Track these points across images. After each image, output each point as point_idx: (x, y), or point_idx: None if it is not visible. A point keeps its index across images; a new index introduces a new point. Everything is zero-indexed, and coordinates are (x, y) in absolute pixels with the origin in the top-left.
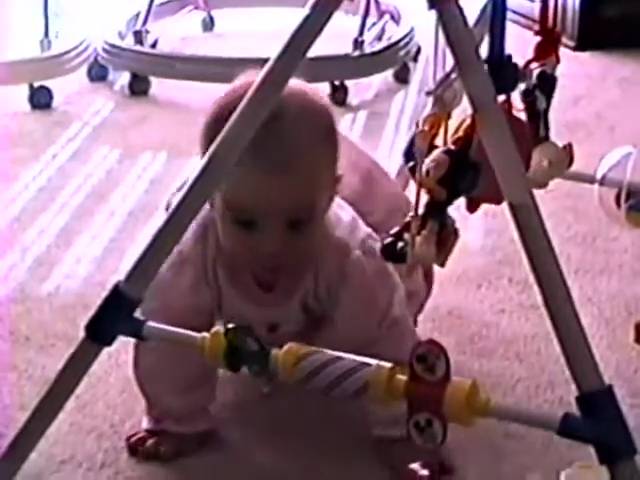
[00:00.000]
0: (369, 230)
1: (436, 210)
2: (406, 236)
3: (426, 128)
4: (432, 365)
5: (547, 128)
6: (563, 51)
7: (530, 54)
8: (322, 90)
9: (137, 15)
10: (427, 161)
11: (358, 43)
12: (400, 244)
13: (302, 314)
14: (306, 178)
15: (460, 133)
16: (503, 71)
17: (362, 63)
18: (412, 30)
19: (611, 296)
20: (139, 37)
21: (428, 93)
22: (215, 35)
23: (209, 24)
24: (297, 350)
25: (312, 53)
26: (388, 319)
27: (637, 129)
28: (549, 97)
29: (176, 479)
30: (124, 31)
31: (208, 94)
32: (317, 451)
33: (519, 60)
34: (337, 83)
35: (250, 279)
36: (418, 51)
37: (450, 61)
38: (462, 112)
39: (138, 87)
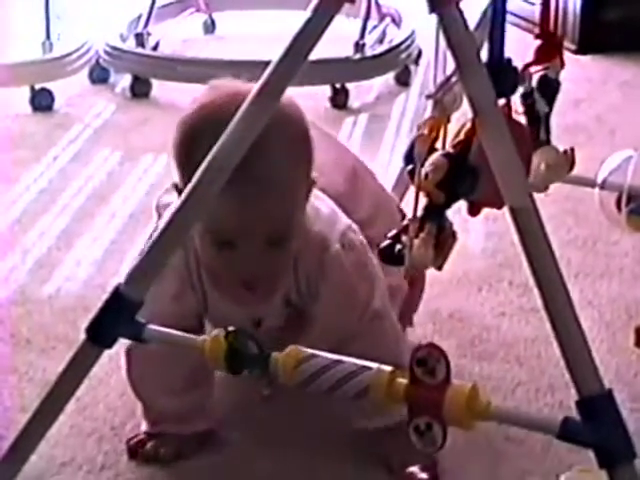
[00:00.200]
0: (349, 222)
1: (434, 213)
2: (404, 239)
3: (426, 132)
4: (432, 368)
5: (548, 132)
6: (564, 54)
7: (530, 58)
8: (321, 93)
9: (139, 17)
10: (426, 164)
11: (359, 46)
12: (398, 247)
13: (285, 309)
14: (285, 198)
15: (461, 137)
16: (503, 75)
17: (363, 66)
18: (413, 33)
19: (611, 300)
20: (140, 39)
21: (428, 97)
22: (216, 38)
23: (210, 27)
24: (297, 353)
25: (313, 56)
26: (369, 312)
27: (638, 132)
28: (551, 101)
29: None
30: (125, 33)
31: None
32: (316, 452)
33: (519, 64)
34: (338, 86)
35: (234, 285)
36: (419, 54)
37: (451, 64)
38: (462, 116)
39: (139, 89)
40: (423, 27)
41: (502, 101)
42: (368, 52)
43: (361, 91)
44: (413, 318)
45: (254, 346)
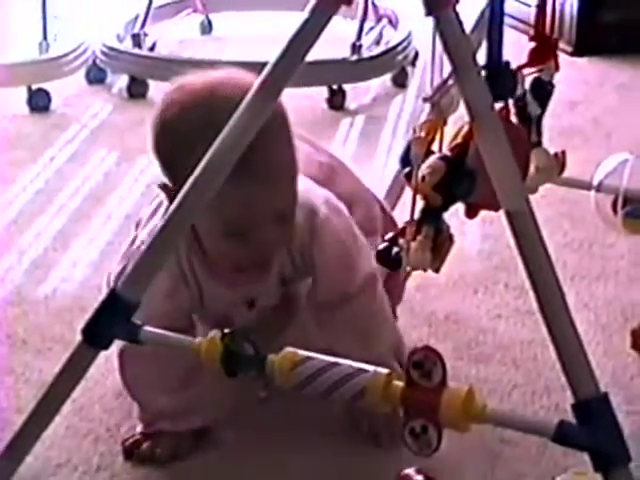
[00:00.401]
0: (326, 191)
1: (431, 216)
2: (401, 241)
3: (423, 134)
4: (429, 371)
5: (540, 134)
6: (560, 56)
7: (525, 60)
8: (318, 94)
9: (135, 18)
10: (423, 167)
11: (356, 47)
12: (395, 249)
13: (280, 287)
14: (288, 178)
15: (458, 139)
16: (500, 77)
17: (360, 67)
18: (410, 35)
19: (607, 302)
20: (137, 40)
21: (425, 99)
22: (213, 38)
23: (207, 27)
24: (293, 355)
25: (310, 57)
26: (361, 272)
27: (634, 135)
28: (544, 104)
29: None
30: (122, 34)
31: None
32: (316, 452)
33: (516, 66)
34: (335, 87)
35: (226, 268)
36: (416, 56)
37: (447, 67)
38: (459, 119)
39: (136, 90)
40: (420, 28)
41: (500, 104)
42: (365, 53)
43: (358, 92)
44: (397, 310)
45: (250, 348)
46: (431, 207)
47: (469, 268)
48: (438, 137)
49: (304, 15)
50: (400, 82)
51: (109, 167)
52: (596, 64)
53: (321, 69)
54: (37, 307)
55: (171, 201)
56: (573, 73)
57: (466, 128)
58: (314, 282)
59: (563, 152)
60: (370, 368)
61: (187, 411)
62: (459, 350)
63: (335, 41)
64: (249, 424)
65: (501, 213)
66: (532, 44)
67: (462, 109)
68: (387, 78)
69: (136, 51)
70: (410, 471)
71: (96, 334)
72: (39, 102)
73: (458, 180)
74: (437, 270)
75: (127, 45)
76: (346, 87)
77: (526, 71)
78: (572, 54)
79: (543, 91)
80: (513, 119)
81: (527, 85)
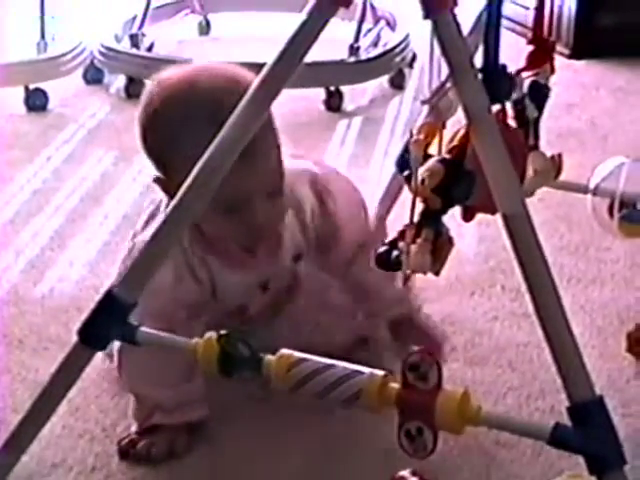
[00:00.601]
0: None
1: (431, 219)
2: (401, 245)
3: (421, 137)
4: (424, 373)
5: (537, 137)
6: (557, 59)
7: (523, 63)
8: (315, 95)
9: (133, 18)
10: (422, 170)
11: (354, 49)
12: (395, 253)
13: (294, 265)
14: (276, 154)
15: (456, 142)
16: (498, 80)
17: (358, 69)
18: (407, 36)
19: (603, 305)
20: (135, 40)
21: (423, 102)
22: (211, 39)
23: (205, 28)
24: (289, 357)
25: (308, 58)
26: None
27: (630, 139)
28: (540, 107)
29: None
30: (120, 34)
31: None
32: (312, 452)
33: (513, 69)
34: (332, 89)
35: (237, 251)
36: (413, 57)
37: (445, 69)
38: (457, 121)
39: (134, 90)
40: (418, 30)
41: (497, 107)
42: (363, 55)
43: (355, 94)
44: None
45: (246, 349)
46: (430, 210)
47: (465, 270)
48: (437, 140)
49: (302, 16)
50: (397, 84)
51: (106, 167)
52: (593, 67)
53: (319, 70)
54: (34, 307)
55: (166, 193)
56: (570, 76)
57: (463, 130)
58: (333, 243)
59: (559, 155)
60: (366, 370)
61: (183, 403)
62: (455, 352)
63: (333, 43)
64: (246, 423)
65: (498, 216)
66: (530, 47)
67: (460, 112)
68: (384, 80)
69: (134, 51)
70: (405, 473)
71: (92, 335)
72: (36, 102)
73: (457, 182)
74: (437, 273)
75: (125, 45)
76: (343, 89)
77: (523, 75)
78: (569, 57)
79: (540, 94)
80: (511, 122)
81: (525, 89)
